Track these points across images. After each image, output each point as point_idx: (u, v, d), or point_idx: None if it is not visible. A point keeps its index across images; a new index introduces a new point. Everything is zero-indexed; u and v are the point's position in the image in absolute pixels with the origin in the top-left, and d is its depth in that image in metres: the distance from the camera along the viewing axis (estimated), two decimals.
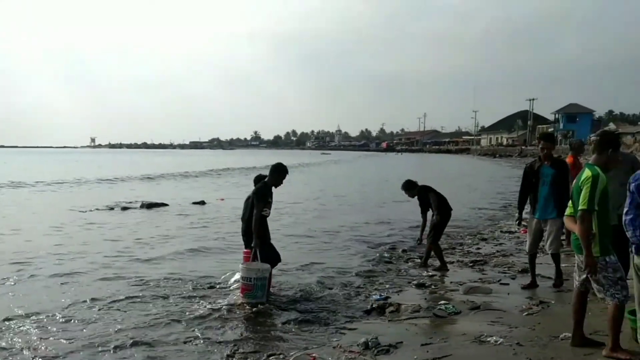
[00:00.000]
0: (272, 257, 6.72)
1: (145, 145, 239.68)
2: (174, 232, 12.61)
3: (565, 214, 4.61)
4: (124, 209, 17.39)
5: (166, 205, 18.13)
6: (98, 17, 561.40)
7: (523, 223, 7.49)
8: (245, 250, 6.95)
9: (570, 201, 4.52)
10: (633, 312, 4.24)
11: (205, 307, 6.46)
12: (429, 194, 8.53)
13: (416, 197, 8.62)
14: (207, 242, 11.18)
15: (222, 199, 20.78)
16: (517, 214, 7.61)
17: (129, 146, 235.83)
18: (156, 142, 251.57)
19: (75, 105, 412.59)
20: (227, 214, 16.18)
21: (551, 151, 6.82)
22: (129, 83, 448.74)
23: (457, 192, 22.71)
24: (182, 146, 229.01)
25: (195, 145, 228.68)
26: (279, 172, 6.72)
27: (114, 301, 6.72)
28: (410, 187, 8.62)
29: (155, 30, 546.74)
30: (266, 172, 7.07)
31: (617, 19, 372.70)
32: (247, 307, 6.32)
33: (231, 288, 7.21)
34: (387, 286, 7.48)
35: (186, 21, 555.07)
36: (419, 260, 8.93)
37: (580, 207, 4.16)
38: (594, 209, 4.14)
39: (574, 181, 4.41)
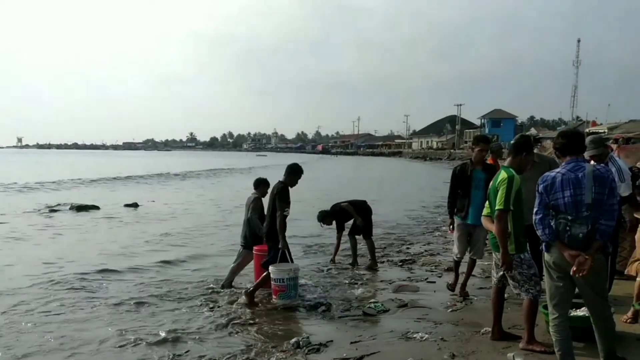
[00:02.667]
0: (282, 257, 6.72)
1: (75, 146, 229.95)
2: (112, 237, 12.24)
3: (483, 214, 4.84)
4: (53, 211, 16.67)
5: (97, 207, 17.50)
6: (19, 11, 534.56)
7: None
8: (255, 247, 7.16)
9: (487, 202, 4.75)
10: (547, 307, 4.52)
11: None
12: (341, 209, 8.77)
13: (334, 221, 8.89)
14: (144, 246, 10.94)
15: (154, 201, 20.41)
16: (448, 218, 7.06)
17: (59, 146, 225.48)
18: (87, 143, 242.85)
19: None
20: (161, 216, 15.93)
21: (486, 154, 6.78)
22: (57, 82, 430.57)
23: (390, 194, 23.37)
24: (115, 147, 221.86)
25: (129, 146, 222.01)
26: (295, 173, 6.79)
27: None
28: (326, 216, 8.86)
29: (83, 29, 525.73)
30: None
31: (536, 29, 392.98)
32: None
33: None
34: (319, 286, 7.55)
35: (119, 21, 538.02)
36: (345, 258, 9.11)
37: (497, 207, 4.39)
38: (510, 209, 4.38)
39: (491, 182, 4.65)
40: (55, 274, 8.26)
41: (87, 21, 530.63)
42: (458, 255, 6.67)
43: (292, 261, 6.76)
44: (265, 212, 6.90)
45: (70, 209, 17.03)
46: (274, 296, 6.57)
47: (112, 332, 5.68)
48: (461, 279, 6.76)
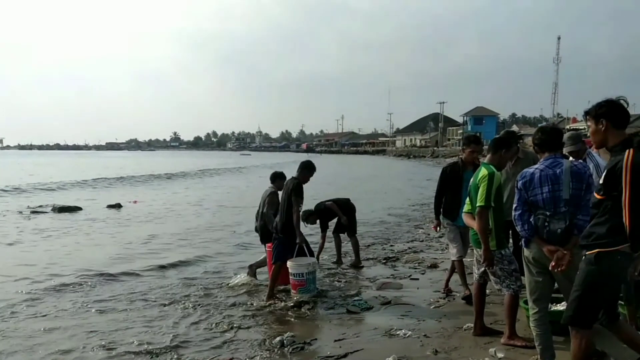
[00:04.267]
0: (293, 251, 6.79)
1: (58, 147, 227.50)
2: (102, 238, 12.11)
3: (464, 210, 4.88)
4: (34, 212, 16.50)
5: (79, 209, 17.34)
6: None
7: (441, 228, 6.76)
8: (269, 244, 7.23)
9: (467, 198, 4.79)
10: (527, 302, 4.57)
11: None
12: (325, 207, 8.80)
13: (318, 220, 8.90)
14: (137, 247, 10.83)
15: (136, 202, 20.30)
16: (434, 218, 6.77)
17: (41, 147, 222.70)
18: (70, 143, 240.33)
19: None
20: (145, 217, 15.82)
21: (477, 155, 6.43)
22: (38, 83, 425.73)
23: (374, 191, 23.44)
24: (98, 147, 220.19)
25: (112, 147, 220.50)
26: (308, 169, 6.94)
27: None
28: (310, 215, 8.78)
29: (64, 28, 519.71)
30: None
31: (517, 27, 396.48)
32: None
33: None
34: None
35: (100, 20, 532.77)
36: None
37: (478, 204, 4.43)
38: (491, 206, 4.42)
39: (472, 179, 4.68)
40: (35, 276, 8.15)
41: (67, 20, 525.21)
42: (457, 255, 6.33)
43: (312, 254, 6.92)
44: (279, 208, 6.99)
45: (52, 210, 16.86)
46: (293, 290, 6.65)
47: (92, 337, 5.57)
48: (445, 275, 6.79)
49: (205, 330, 5.74)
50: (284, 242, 6.76)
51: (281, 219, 6.80)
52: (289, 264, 6.62)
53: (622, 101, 3.33)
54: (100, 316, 6.29)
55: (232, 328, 5.76)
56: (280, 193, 7.29)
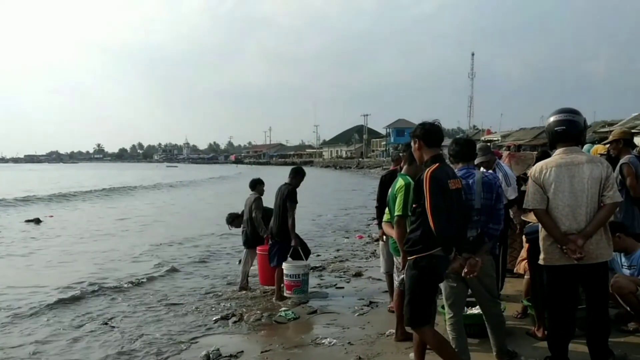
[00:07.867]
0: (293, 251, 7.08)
1: None
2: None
3: (383, 220, 5.04)
4: None
5: None
6: None
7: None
8: (259, 247, 7.51)
9: (387, 208, 4.94)
10: None
11: None
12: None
13: None
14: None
15: (51, 216, 19.62)
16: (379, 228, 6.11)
17: None
18: None
19: None
20: (68, 232, 15.26)
21: None
22: None
23: (301, 202, 23.49)
24: (16, 160, 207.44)
25: (32, 159, 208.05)
26: (300, 175, 7.26)
27: None
28: (235, 217, 8.72)
29: None
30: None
31: (437, 47, 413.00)
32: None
33: None
34: (231, 297, 7.50)
35: (15, 29, 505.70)
36: None
37: (396, 213, 4.55)
38: (408, 215, 4.57)
39: (390, 189, 4.84)
40: None
41: None
42: (387, 269, 5.93)
43: (307, 256, 7.21)
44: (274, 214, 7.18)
45: None
46: (287, 291, 6.98)
47: None
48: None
49: (128, 343, 5.62)
50: (281, 247, 6.99)
51: (276, 224, 7.05)
52: (285, 265, 6.89)
53: (436, 123, 3.76)
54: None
55: (154, 340, 5.68)
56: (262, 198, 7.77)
